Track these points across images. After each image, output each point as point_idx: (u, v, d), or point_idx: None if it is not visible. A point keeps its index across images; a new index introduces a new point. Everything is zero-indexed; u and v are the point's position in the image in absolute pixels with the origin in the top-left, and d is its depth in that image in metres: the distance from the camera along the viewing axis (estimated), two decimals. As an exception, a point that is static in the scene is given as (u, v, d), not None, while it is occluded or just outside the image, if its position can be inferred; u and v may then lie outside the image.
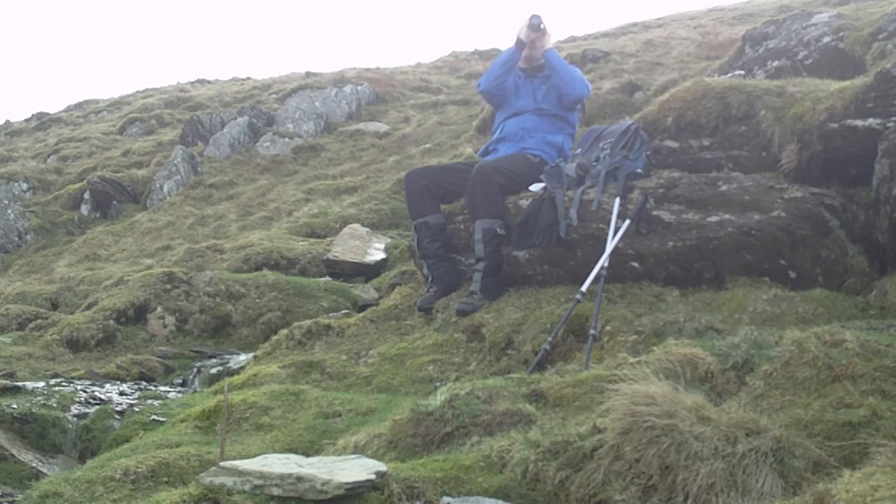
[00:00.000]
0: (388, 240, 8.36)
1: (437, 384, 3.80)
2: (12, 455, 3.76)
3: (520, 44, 5.11)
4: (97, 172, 14.54)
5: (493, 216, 4.59)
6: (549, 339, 3.80)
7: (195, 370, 5.87)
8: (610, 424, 2.30)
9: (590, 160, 4.63)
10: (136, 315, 7.06)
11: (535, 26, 5.07)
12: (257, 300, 7.08)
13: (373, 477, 2.12)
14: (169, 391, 5.23)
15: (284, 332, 5.31)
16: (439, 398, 2.88)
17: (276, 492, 2.06)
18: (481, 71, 18.80)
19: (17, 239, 13.40)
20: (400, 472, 2.29)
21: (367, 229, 8.68)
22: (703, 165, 4.58)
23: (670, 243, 4.04)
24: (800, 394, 2.46)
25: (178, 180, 13.89)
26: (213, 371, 5.66)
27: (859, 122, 3.96)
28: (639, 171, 4.42)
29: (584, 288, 3.87)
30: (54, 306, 8.53)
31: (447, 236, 4.93)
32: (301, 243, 8.96)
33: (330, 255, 7.83)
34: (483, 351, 4.19)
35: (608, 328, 3.77)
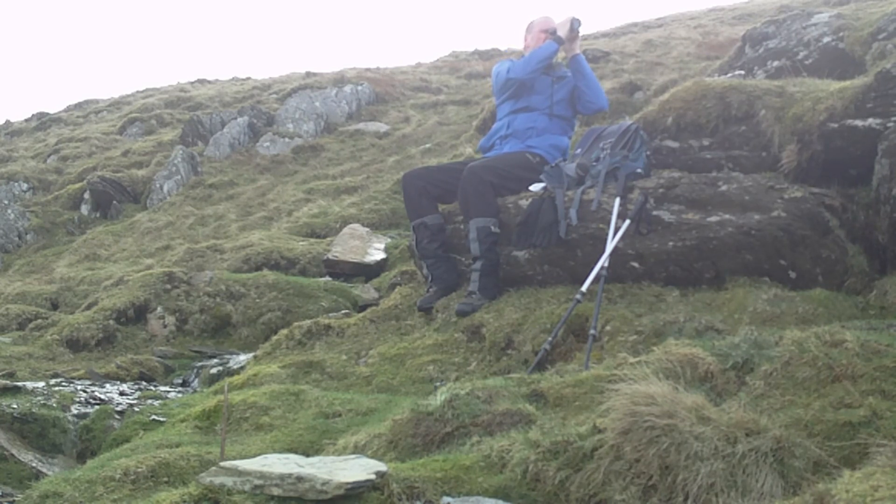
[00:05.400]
0: (388, 240, 8.36)
1: (437, 384, 3.80)
2: (12, 455, 3.76)
3: (559, 41, 5.11)
4: (97, 172, 14.53)
5: (486, 215, 4.59)
6: (549, 339, 3.80)
7: (195, 370, 5.87)
8: (610, 424, 2.30)
9: (590, 160, 4.63)
10: (136, 315, 7.06)
11: (576, 30, 5.13)
12: (257, 300, 7.07)
13: (373, 477, 2.12)
14: (169, 391, 5.23)
15: (284, 332, 5.31)
16: (439, 398, 2.88)
17: (276, 492, 2.06)
18: (481, 71, 18.81)
19: (17, 239, 13.40)
20: (400, 472, 2.29)
21: (367, 229, 8.68)
22: (703, 165, 4.58)
23: (670, 243, 4.04)
24: (800, 394, 2.46)
25: (178, 180, 13.89)
26: (213, 371, 5.65)
27: (859, 122, 3.96)
28: (639, 171, 4.42)
29: (584, 288, 3.87)
30: (54, 306, 8.53)
31: (446, 236, 4.93)
32: (301, 243, 8.96)
33: (330, 255, 7.83)
34: (483, 351, 4.19)
35: (608, 328, 3.77)
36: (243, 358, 5.81)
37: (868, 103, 3.95)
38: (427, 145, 13.53)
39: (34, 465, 3.76)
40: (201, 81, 24.73)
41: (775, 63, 6.37)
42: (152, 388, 5.30)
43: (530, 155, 4.92)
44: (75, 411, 4.31)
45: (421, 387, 3.98)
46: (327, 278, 7.66)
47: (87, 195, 14.20)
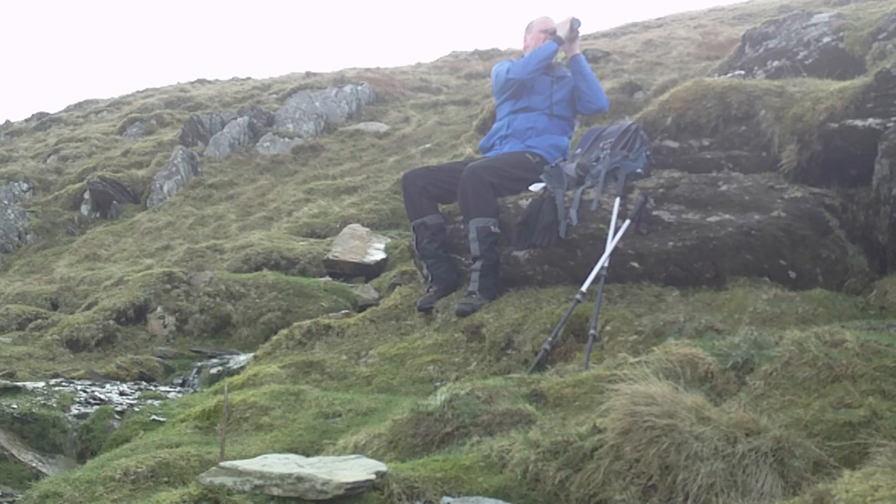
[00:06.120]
0: (388, 240, 8.36)
1: (437, 384, 3.80)
2: (12, 455, 3.76)
3: (559, 41, 5.12)
4: (97, 172, 14.54)
5: (486, 215, 4.60)
6: (549, 339, 3.80)
7: (195, 370, 5.87)
8: (610, 424, 2.30)
9: (590, 160, 4.62)
10: (136, 315, 7.06)
11: (575, 30, 5.14)
12: (257, 300, 7.08)
13: (373, 477, 2.12)
14: (169, 391, 5.23)
15: (284, 332, 5.31)
16: (439, 398, 2.88)
17: (276, 492, 2.06)
18: (482, 71, 18.81)
19: (17, 239, 13.40)
20: (400, 472, 2.29)
21: (367, 229, 8.68)
22: (703, 165, 4.58)
23: (670, 243, 4.04)
24: (800, 394, 2.46)
25: (178, 180, 13.90)
26: (213, 371, 5.65)
27: (859, 122, 3.96)
28: (639, 171, 4.42)
29: (584, 288, 3.87)
30: (54, 306, 8.54)
31: (446, 236, 4.93)
32: (301, 243, 8.96)
33: (330, 255, 7.83)
34: (483, 351, 4.19)
35: (608, 328, 3.77)
36: (243, 358, 5.81)
37: (868, 103, 3.95)
38: (427, 145, 13.53)
39: (34, 465, 3.76)
40: (201, 81, 24.73)
41: (775, 63, 6.37)
42: (152, 388, 5.30)
43: (530, 155, 4.92)
44: (75, 411, 4.31)
45: (421, 387, 3.98)
46: (327, 278, 7.66)
47: (87, 195, 14.20)
